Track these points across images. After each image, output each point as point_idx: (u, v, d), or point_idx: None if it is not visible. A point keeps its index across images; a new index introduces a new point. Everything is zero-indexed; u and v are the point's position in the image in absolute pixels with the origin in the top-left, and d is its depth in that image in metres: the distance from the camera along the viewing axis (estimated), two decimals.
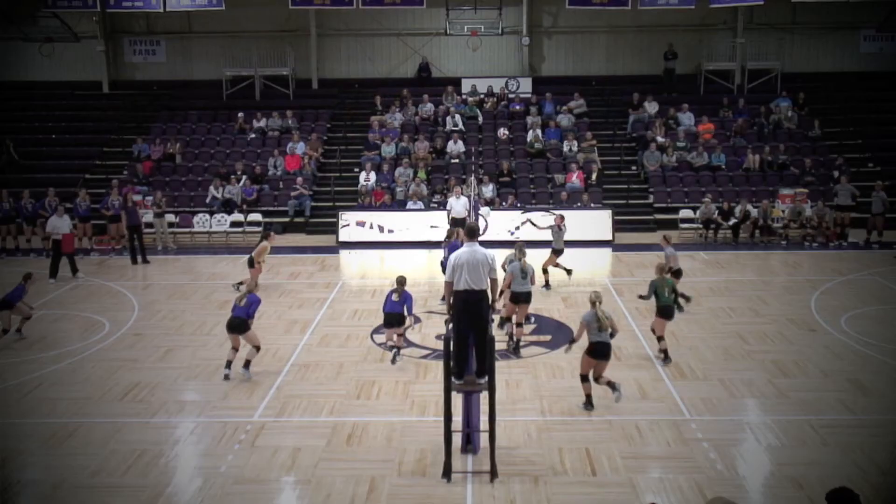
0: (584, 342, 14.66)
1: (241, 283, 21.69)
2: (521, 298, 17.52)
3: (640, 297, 17.90)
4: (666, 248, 20.56)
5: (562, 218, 22.96)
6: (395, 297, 16.91)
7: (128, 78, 38.60)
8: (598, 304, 14.61)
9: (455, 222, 24.15)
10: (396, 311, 16.88)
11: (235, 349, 16.47)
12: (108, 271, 25.38)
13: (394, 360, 16.82)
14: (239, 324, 16.32)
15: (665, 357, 16.90)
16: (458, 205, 25.85)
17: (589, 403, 14.66)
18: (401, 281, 17.08)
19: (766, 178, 31.26)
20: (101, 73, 37.91)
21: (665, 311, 17.01)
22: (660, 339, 17.10)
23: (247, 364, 16.33)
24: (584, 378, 14.75)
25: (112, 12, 35.26)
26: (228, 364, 16.40)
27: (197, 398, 15.54)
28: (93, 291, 23.22)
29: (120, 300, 22.24)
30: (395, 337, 17.06)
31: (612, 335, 14.63)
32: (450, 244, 19.68)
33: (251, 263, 21.60)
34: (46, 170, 33.06)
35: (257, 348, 16.59)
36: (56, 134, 35.54)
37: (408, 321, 17.19)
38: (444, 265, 17.63)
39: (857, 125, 34.16)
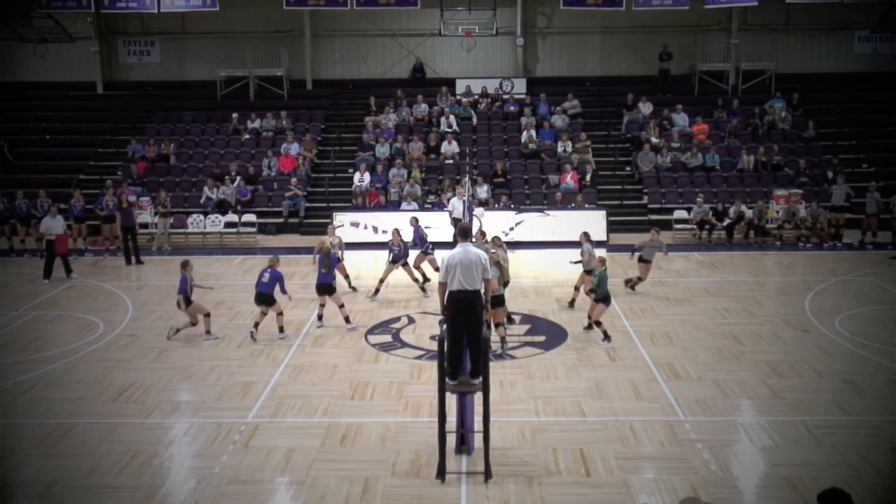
0: None
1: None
2: (497, 301, 17.55)
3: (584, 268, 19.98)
4: (584, 244, 21.15)
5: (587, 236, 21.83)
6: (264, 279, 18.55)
7: (122, 78, 38.56)
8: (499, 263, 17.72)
9: (457, 223, 24.24)
10: (266, 292, 18.55)
11: (264, 314, 18.71)
12: (102, 272, 25.35)
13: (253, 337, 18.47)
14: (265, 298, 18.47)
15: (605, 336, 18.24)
16: (461, 205, 25.95)
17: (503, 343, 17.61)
18: (272, 262, 18.89)
19: (761, 179, 31.30)
20: (96, 73, 37.88)
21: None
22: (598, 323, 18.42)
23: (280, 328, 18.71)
24: (499, 324, 17.74)
25: (106, 13, 35.26)
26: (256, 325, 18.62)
27: (191, 399, 15.53)
28: (87, 292, 23.19)
29: (114, 301, 22.21)
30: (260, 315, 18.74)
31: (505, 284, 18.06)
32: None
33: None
34: (40, 170, 33.01)
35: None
36: (50, 134, 35.50)
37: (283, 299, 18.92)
38: None
39: (851, 126, 34.23)
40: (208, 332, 18.66)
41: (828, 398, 15.06)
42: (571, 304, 21.07)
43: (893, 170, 30.97)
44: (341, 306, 19.39)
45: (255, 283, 18.78)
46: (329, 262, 19.33)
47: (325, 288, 19.32)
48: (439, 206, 29.09)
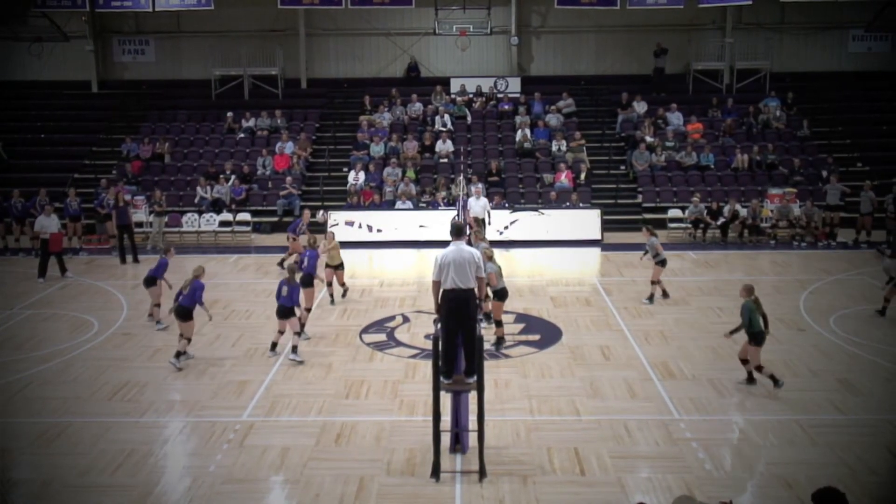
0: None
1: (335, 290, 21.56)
2: (499, 295, 17.89)
3: None
4: (650, 239, 21.47)
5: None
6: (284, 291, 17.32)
7: (117, 77, 38.50)
8: (492, 258, 17.77)
9: (477, 222, 24.50)
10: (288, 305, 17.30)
11: (281, 332, 17.48)
12: (96, 271, 25.31)
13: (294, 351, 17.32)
14: (180, 311, 16.99)
15: None
16: (478, 206, 26.09)
17: (501, 341, 17.83)
18: (291, 269, 17.76)
19: (755, 178, 31.33)
20: (90, 72, 37.80)
21: None
22: None
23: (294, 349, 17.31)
24: (498, 323, 17.99)
25: (101, 12, 35.17)
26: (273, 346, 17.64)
27: (186, 398, 15.52)
28: (82, 291, 23.16)
29: (109, 300, 22.18)
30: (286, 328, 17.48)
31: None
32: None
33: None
34: (35, 169, 32.94)
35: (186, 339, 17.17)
36: (45, 133, 35.42)
37: (297, 312, 17.71)
38: None
39: (845, 125, 34.27)
40: (181, 354, 17.02)
41: (823, 397, 15.08)
42: (651, 299, 21.34)
43: (888, 169, 30.99)
44: (296, 333, 17.49)
45: (276, 294, 17.51)
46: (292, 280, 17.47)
47: (284, 312, 17.36)
48: (434, 205, 29.08)
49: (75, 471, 12.62)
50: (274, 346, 17.55)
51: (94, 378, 16.44)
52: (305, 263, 19.49)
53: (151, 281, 19.49)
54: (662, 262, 21.31)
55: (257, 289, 22.42)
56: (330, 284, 21.34)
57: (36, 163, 33.65)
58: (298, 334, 17.55)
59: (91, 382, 16.23)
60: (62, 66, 37.92)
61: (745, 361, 15.62)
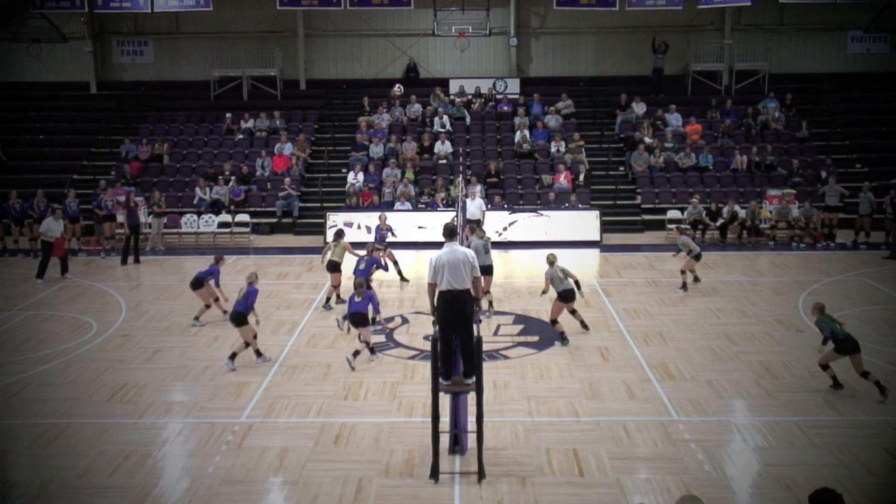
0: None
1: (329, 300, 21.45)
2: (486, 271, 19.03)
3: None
4: (681, 237, 22.41)
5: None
6: (357, 298, 17.20)
7: (115, 78, 38.49)
8: (555, 262, 18.18)
9: (469, 223, 24.33)
10: (360, 311, 17.12)
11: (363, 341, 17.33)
12: (95, 272, 25.31)
13: (372, 352, 17.40)
14: (236, 316, 16.97)
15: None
16: (473, 206, 26.04)
17: (565, 339, 18.05)
18: (359, 283, 17.52)
19: (754, 179, 31.34)
20: (89, 73, 37.79)
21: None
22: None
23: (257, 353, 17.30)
24: (555, 321, 18.23)
25: (100, 13, 35.15)
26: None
27: (184, 399, 15.52)
28: (80, 292, 23.15)
29: (108, 301, 22.18)
30: (362, 335, 17.28)
31: (576, 283, 18.21)
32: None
33: (335, 267, 21.24)
34: (34, 170, 32.94)
35: (246, 344, 17.08)
36: (44, 134, 35.41)
37: (377, 318, 17.98)
38: None
39: (844, 126, 34.29)
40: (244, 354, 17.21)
41: (821, 398, 15.09)
42: (684, 286, 22.17)
43: (887, 170, 30.99)
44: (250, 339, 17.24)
45: (348, 303, 17.50)
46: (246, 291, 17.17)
47: (236, 317, 17.09)
48: (433, 205, 29.08)
49: (74, 472, 12.62)
50: (356, 353, 17.02)
51: (92, 379, 16.44)
52: (362, 266, 19.78)
53: (198, 284, 19.71)
54: (697, 256, 22.24)
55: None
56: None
57: (35, 164, 33.64)
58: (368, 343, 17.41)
59: (90, 384, 16.22)
60: (61, 67, 37.94)
61: (824, 367, 15.46)
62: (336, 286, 21.27)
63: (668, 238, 28.35)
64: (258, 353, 17.25)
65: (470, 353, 12.27)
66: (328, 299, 21.30)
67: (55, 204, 27.21)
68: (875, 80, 36.64)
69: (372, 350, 17.45)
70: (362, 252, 20.73)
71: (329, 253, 21.35)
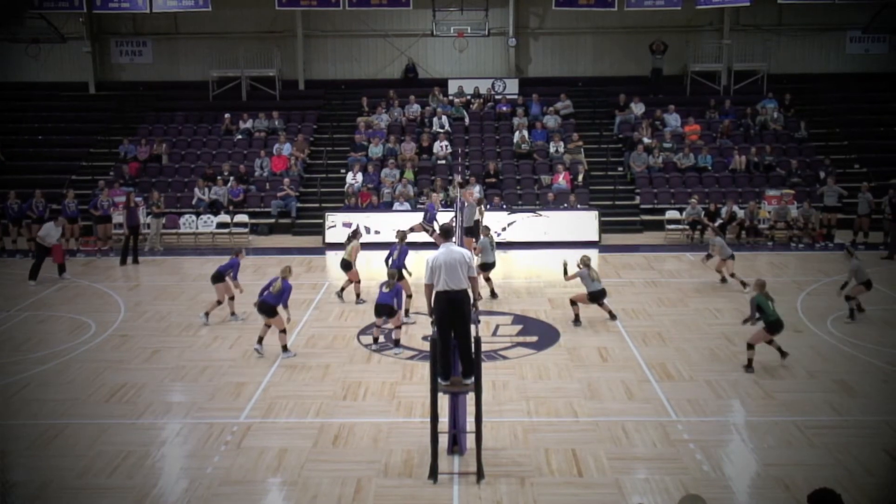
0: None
1: (342, 290, 21.92)
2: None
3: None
4: (714, 238, 23.26)
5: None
6: (385, 289, 17.85)
7: (114, 79, 38.49)
8: (589, 264, 19.54)
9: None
10: (386, 303, 17.72)
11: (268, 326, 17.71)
12: (94, 272, 25.30)
13: (397, 343, 17.88)
14: (268, 308, 17.44)
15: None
16: (469, 209, 25.96)
17: (578, 321, 19.46)
18: (392, 275, 18.11)
19: (753, 180, 31.35)
20: (88, 73, 37.78)
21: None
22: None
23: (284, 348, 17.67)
24: (574, 303, 19.52)
25: (98, 13, 35.15)
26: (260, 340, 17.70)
27: (183, 399, 15.52)
28: (79, 292, 23.15)
29: (106, 301, 22.18)
30: (383, 327, 17.92)
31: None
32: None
33: (347, 266, 21.47)
34: (33, 171, 32.93)
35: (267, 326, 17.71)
36: (42, 135, 35.41)
37: (399, 314, 18.16)
38: None
39: (843, 126, 34.31)
40: (285, 347, 17.69)
41: (820, 398, 15.10)
42: (723, 280, 22.97)
43: (885, 170, 31.01)
44: (282, 331, 17.76)
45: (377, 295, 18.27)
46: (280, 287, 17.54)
47: (267, 309, 17.58)
48: (431, 206, 29.02)
49: (73, 472, 12.62)
50: (376, 339, 18.28)
51: (91, 380, 16.44)
52: (396, 257, 20.19)
53: (219, 277, 19.89)
54: (731, 257, 22.68)
55: (255, 290, 22.34)
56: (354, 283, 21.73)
57: (33, 164, 33.63)
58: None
59: (88, 384, 16.22)
60: (59, 67, 37.97)
61: (751, 347, 16.59)
62: (353, 282, 21.61)
63: (668, 238, 28.41)
64: (285, 348, 17.62)
65: (468, 353, 12.27)
66: (342, 289, 21.86)
67: (56, 206, 27.22)
68: (874, 80, 36.65)
69: (396, 342, 17.89)
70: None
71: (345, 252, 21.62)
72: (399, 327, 18.09)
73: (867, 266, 20.46)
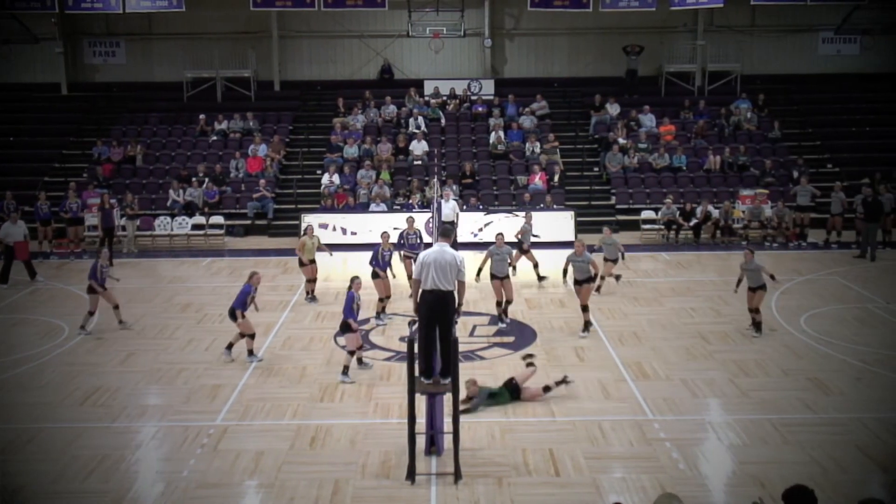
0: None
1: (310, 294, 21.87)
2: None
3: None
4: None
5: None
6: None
7: (87, 80, 38.19)
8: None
9: (443, 225, 24.28)
10: (343, 317, 16.48)
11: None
12: (67, 275, 25.09)
13: (345, 371, 16.33)
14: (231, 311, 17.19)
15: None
16: (447, 208, 25.98)
17: (588, 325, 18.97)
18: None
19: (727, 179, 31.52)
20: (60, 74, 37.41)
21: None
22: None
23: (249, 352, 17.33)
24: (586, 308, 18.97)
25: (71, 13, 34.84)
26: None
27: (158, 402, 15.44)
28: (52, 295, 22.97)
29: (79, 304, 21.91)
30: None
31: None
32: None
33: (301, 263, 21.69)
34: (4, 172, 32.56)
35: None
36: (14, 136, 35.12)
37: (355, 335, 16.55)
38: None
39: (815, 126, 34.57)
40: (251, 352, 17.31)
41: (794, 396, 15.20)
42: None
43: (858, 170, 31.24)
44: (251, 336, 17.41)
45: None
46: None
47: (230, 313, 17.25)
48: (407, 207, 29.04)
49: (47, 477, 12.52)
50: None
51: (65, 383, 16.31)
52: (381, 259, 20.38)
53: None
54: (615, 261, 22.59)
55: (231, 292, 22.21)
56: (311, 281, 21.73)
57: (5, 166, 33.24)
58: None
59: (62, 388, 16.10)
60: (31, 68, 37.58)
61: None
62: (308, 280, 21.73)
63: (643, 238, 28.51)
64: (251, 352, 17.40)
65: (447, 353, 12.28)
66: (309, 292, 21.93)
67: (28, 207, 26.99)
68: (846, 80, 36.91)
69: (344, 370, 16.33)
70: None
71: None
72: (352, 352, 16.38)
73: (840, 265, 20.56)
